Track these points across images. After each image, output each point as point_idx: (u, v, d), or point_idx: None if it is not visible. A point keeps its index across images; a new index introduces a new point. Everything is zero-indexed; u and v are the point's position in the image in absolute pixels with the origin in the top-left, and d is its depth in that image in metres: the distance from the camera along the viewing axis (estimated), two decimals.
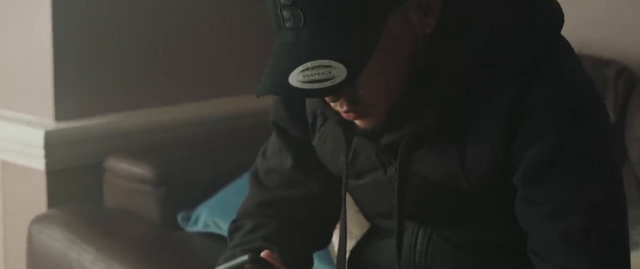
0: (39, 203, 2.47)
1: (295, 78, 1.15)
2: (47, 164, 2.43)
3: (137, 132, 2.56)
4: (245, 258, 1.23)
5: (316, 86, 1.14)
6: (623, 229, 1.24)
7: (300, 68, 1.15)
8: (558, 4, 1.28)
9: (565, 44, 1.28)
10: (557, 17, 1.27)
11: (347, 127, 1.31)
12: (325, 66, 1.14)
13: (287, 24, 1.16)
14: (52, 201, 2.47)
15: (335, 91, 1.15)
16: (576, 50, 1.30)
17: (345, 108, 1.22)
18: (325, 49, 1.15)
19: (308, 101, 1.39)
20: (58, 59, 2.43)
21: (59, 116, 2.46)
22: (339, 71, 1.14)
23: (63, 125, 2.45)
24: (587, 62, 1.45)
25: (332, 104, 1.24)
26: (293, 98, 1.40)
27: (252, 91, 2.87)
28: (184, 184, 2.44)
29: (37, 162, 2.43)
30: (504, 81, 1.21)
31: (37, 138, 2.41)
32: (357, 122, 1.26)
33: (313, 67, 1.14)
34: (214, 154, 2.56)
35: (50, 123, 2.45)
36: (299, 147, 1.43)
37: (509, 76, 1.22)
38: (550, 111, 1.20)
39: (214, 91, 2.78)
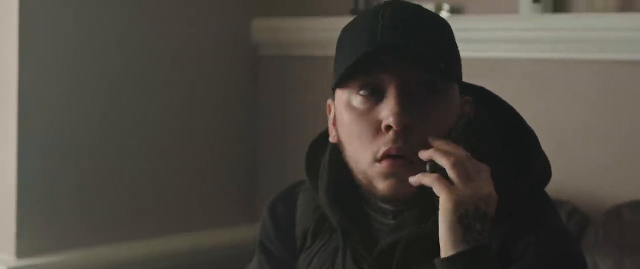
0: None
1: (407, 42, 1.25)
2: None
3: None
4: None
5: (427, 53, 1.25)
6: None
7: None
8: (547, 159, 1.37)
9: (549, 199, 1.37)
10: (547, 172, 1.37)
11: (344, 231, 1.33)
12: (433, 57, 1.26)
13: (384, 39, 1.26)
14: None
15: (443, 74, 1.26)
16: None
17: (399, 142, 1.26)
18: (429, 52, 1.26)
19: (299, 218, 1.42)
20: (21, 196, 2.45)
21: (20, 252, 2.46)
22: (440, 63, 1.26)
23: (25, 262, 2.45)
24: None
25: (384, 139, 1.27)
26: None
27: (219, 226, 2.91)
28: None
29: None
30: (498, 216, 1.26)
31: None
32: (389, 181, 1.28)
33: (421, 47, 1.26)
34: None
35: (12, 260, 2.45)
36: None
37: (502, 212, 1.27)
38: (540, 255, 1.25)
39: (178, 226, 2.80)
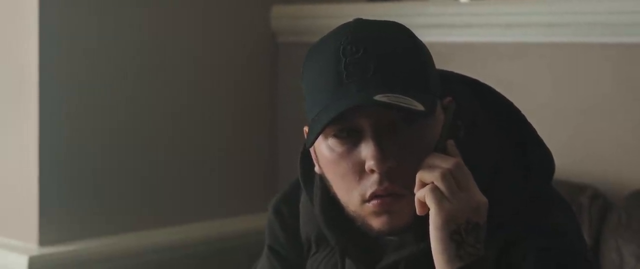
0: None
1: (380, 98, 1.19)
2: None
3: (123, 257, 2.58)
4: None
5: (403, 104, 1.18)
6: None
7: (384, 94, 1.20)
8: (549, 151, 1.34)
9: (555, 193, 1.33)
10: (549, 164, 1.33)
11: (343, 250, 1.32)
12: (405, 97, 1.20)
13: (351, 79, 1.22)
14: None
15: (420, 113, 1.19)
16: None
17: (385, 183, 1.23)
18: (401, 88, 1.21)
19: (302, 225, 1.41)
20: (43, 184, 2.46)
21: (43, 241, 2.47)
22: (417, 105, 1.20)
23: (47, 250, 2.46)
24: (561, 188, 1.50)
25: (369, 181, 1.24)
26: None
27: (238, 214, 2.92)
28: None
29: None
30: (496, 222, 1.24)
31: (20, 264, 2.42)
32: (382, 218, 1.25)
33: (394, 97, 1.19)
34: None
35: (34, 248, 2.46)
36: None
37: (500, 219, 1.25)
38: (541, 263, 1.24)
39: (198, 214, 2.81)
